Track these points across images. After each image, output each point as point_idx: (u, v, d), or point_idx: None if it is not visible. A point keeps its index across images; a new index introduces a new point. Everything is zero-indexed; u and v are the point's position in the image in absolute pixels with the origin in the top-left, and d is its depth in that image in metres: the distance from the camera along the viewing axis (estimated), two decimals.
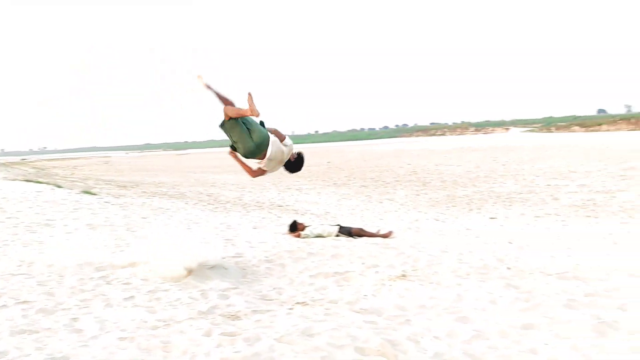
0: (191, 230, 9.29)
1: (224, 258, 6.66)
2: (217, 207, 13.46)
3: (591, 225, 11.11)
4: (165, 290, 5.44)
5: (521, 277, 6.08)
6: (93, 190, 14.63)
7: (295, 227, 9.14)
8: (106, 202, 12.27)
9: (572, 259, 7.06)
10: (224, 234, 8.90)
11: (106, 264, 6.33)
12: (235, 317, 4.80)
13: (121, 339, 4.20)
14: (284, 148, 5.78)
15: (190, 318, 4.69)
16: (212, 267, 6.13)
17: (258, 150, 5.63)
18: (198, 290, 5.49)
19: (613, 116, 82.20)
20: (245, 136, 5.58)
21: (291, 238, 8.73)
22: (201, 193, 17.30)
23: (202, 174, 28.55)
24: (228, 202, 14.97)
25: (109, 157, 73.30)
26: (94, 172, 32.80)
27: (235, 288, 5.68)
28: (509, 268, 6.49)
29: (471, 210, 14.02)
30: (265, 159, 5.66)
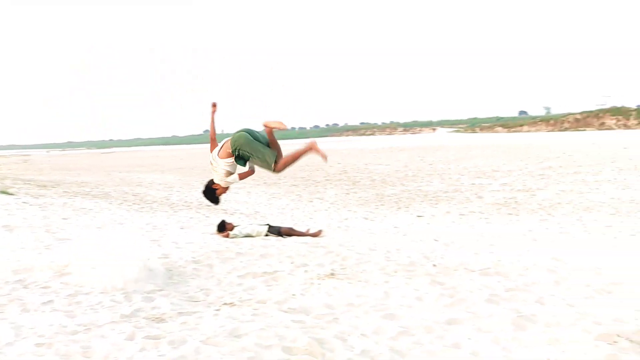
0: (115, 231, 8.99)
1: (149, 259, 6.47)
2: (143, 207, 13.11)
3: (512, 223, 11.53)
4: (86, 294, 5.23)
5: (446, 274, 6.23)
6: (10, 190, 13.91)
7: (223, 227, 9.02)
8: (24, 202, 11.70)
9: (494, 255, 7.31)
10: (150, 235, 8.66)
11: (23, 267, 6.02)
12: (160, 319, 4.67)
13: (38, 345, 3.99)
14: (228, 177, 7.13)
15: (113, 322, 4.52)
16: (136, 269, 5.92)
17: (235, 144, 6.87)
18: (121, 293, 5.30)
19: (533, 117, 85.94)
20: (255, 141, 6.95)
21: (219, 238, 8.62)
22: (126, 193, 16.79)
23: (128, 173, 27.74)
24: (155, 201, 14.61)
25: (29, 155, 70.08)
26: (12, 171, 31.24)
27: (161, 290, 5.53)
28: (434, 265, 6.64)
29: (399, 208, 14.27)
30: (230, 158, 6.97)
